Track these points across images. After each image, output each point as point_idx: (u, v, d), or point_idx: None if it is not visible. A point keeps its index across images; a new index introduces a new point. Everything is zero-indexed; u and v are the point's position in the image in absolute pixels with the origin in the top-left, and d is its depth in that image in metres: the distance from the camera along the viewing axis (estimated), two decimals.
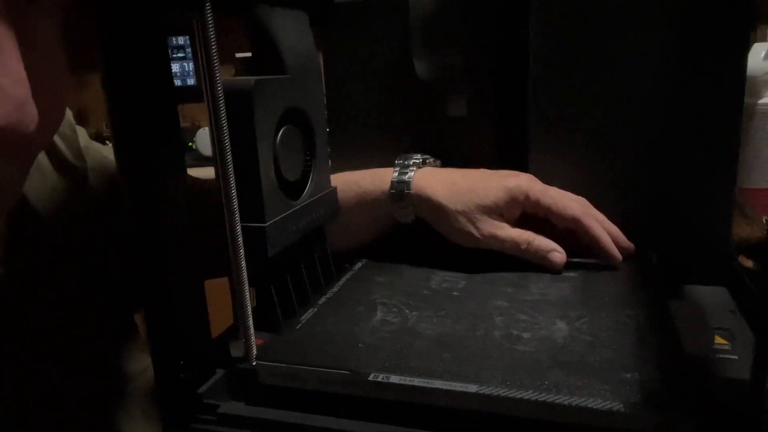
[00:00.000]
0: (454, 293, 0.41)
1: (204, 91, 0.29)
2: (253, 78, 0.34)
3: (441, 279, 0.44)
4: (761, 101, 0.60)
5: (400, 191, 0.47)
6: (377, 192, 0.48)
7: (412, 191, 0.46)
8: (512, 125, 0.49)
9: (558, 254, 0.44)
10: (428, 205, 0.46)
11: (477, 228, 0.44)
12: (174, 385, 0.31)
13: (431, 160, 0.50)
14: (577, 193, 0.47)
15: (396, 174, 0.47)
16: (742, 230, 0.53)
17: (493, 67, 0.49)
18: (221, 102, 0.29)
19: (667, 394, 0.28)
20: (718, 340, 0.36)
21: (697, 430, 0.26)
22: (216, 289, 0.45)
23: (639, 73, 0.45)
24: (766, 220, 0.58)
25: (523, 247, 0.44)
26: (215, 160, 0.31)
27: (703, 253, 0.46)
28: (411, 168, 0.47)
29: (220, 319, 0.38)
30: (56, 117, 0.33)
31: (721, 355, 0.34)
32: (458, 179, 0.46)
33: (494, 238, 0.44)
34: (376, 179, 0.48)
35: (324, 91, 0.53)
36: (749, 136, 0.60)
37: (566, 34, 0.46)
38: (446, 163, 0.51)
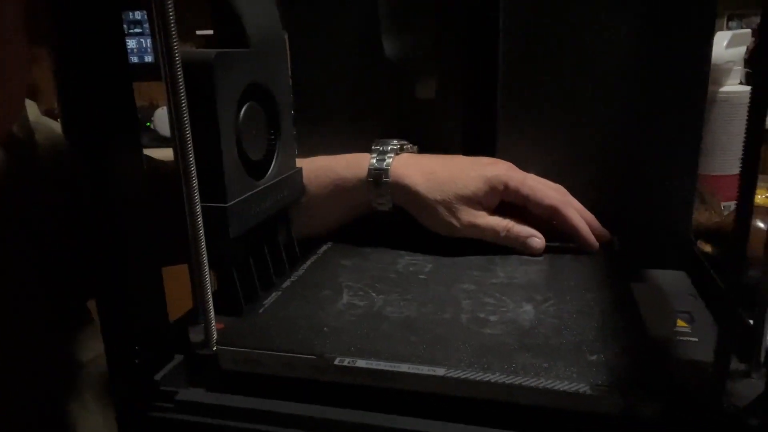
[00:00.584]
0: (421, 277, 0.40)
1: (161, 59, 0.27)
2: (213, 50, 0.33)
3: (408, 262, 0.43)
4: (722, 89, 0.62)
5: (377, 179, 0.45)
6: (354, 179, 0.46)
7: (390, 179, 0.45)
8: (480, 108, 0.49)
9: (537, 240, 0.44)
10: (407, 194, 0.45)
11: (457, 218, 0.44)
12: (128, 371, 0.30)
13: (409, 146, 0.49)
14: (541, 176, 0.47)
15: (374, 161, 0.46)
16: (701, 216, 0.55)
17: (463, 49, 0.49)
18: (179, 73, 0.28)
19: (632, 377, 0.28)
20: (679, 323, 0.37)
21: (661, 412, 0.26)
22: (175, 272, 0.44)
23: (605, 60, 0.45)
24: (724, 207, 0.60)
25: (503, 234, 0.44)
26: (173, 135, 0.29)
27: (664, 238, 0.47)
28: (389, 155, 0.46)
29: (179, 304, 0.36)
30: (16, 106, 0.31)
31: (682, 338, 0.34)
32: (437, 168, 0.46)
33: (474, 227, 0.44)
34: (352, 165, 0.47)
35: (289, 69, 0.51)
36: (710, 124, 0.61)
37: (535, 18, 0.46)
38: (415, 144, 0.50)
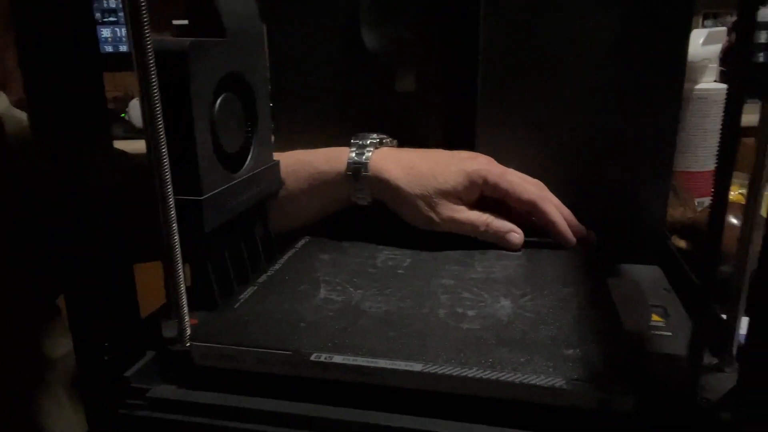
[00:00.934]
0: (400, 271, 0.40)
1: (132, 48, 0.27)
2: (188, 39, 0.32)
3: (386, 257, 0.43)
4: (698, 87, 0.62)
5: (356, 173, 0.45)
6: (333, 173, 0.46)
7: (370, 173, 0.45)
8: (460, 101, 0.48)
9: (516, 235, 0.44)
10: (386, 188, 0.45)
11: (436, 212, 0.44)
12: (98, 368, 0.29)
13: (388, 140, 0.49)
14: (519, 171, 0.47)
15: (353, 155, 0.46)
16: (676, 212, 0.56)
17: (443, 42, 0.48)
18: (151, 62, 0.27)
19: (607, 371, 0.28)
20: (654, 317, 0.37)
21: (635, 406, 0.26)
22: (148, 266, 0.43)
23: (584, 57, 0.46)
24: (697, 203, 0.61)
25: (482, 229, 0.44)
26: (145, 126, 0.28)
27: (639, 234, 0.47)
28: (368, 149, 0.46)
29: (153, 299, 0.36)
30: None
31: (656, 332, 0.35)
32: (417, 162, 0.45)
33: (453, 221, 0.44)
34: (331, 159, 0.46)
35: (267, 60, 0.50)
36: (685, 121, 0.62)
37: (516, 13, 0.46)
38: (394, 137, 0.49)
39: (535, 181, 0.46)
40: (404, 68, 0.50)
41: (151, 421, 0.29)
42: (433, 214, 0.44)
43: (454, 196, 0.44)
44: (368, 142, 0.46)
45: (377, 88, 0.50)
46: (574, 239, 0.44)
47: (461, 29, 0.47)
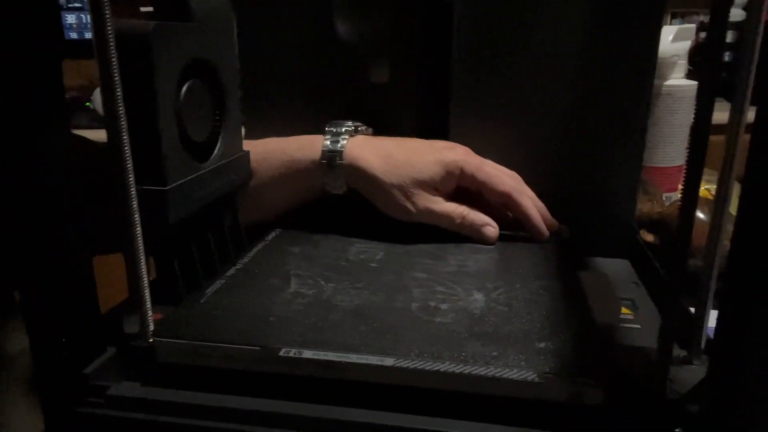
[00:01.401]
0: (372, 264, 0.40)
1: (91, 27, 0.25)
2: (152, 22, 0.31)
3: (359, 250, 0.42)
4: (667, 83, 0.63)
5: (331, 161, 0.44)
6: (306, 161, 0.45)
7: (345, 161, 0.44)
8: (434, 92, 0.48)
9: (491, 228, 0.44)
10: (362, 176, 0.44)
11: (412, 203, 0.43)
12: (55, 365, 0.27)
13: (363, 128, 0.48)
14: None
15: (327, 142, 0.45)
16: (644, 206, 0.56)
17: (417, 33, 0.48)
18: (111, 44, 0.26)
19: (578, 364, 0.28)
20: (623, 310, 0.37)
21: (605, 398, 0.26)
22: (113, 259, 0.41)
23: (557, 51, 0.46)
24: (665, 198, 0.62)
25: (458, 221, 0.44)
26: (105, 111, 0.27)
27: (609, 228, 0.48)
28: (343, 136, 0.45)
29: (120, 293, 0.34)
30: None
31: (626, 325, 0.35)
32: (394, 151, 0.45)
33: (429, 212, 0.44)
34: (304, 147, 0.45)
35: (237, 48, 0.49)
36: (653, 116, 0.63)
37: (490, 3, 0.46)
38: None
39: (512, 173, 0.46)
40: (378, 59, 0.49)
41: (112, 420, 0.28)
42: (409, 204, 0.44)
43: (431, 186, 0.44)
44: (343, 129, 0.45)
45: (351, 78, 0.50)
46: (547, 233, 0.45)
47: (435, 20, 0.47)
